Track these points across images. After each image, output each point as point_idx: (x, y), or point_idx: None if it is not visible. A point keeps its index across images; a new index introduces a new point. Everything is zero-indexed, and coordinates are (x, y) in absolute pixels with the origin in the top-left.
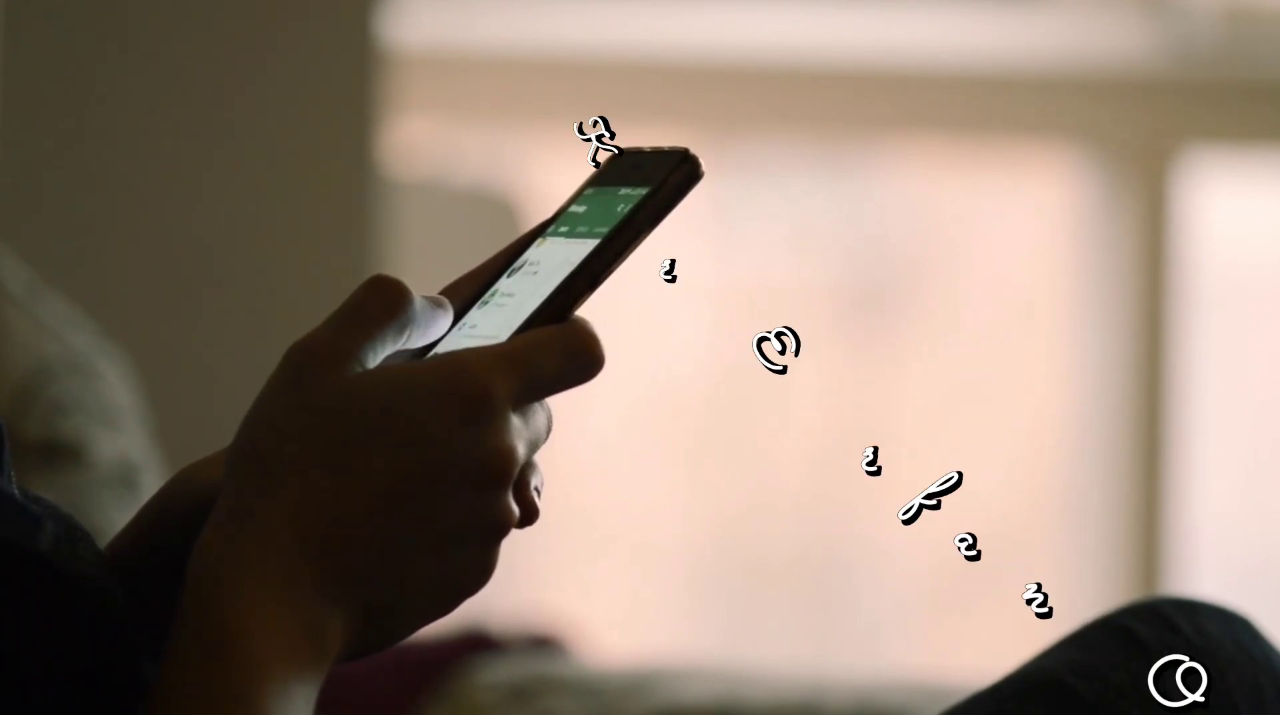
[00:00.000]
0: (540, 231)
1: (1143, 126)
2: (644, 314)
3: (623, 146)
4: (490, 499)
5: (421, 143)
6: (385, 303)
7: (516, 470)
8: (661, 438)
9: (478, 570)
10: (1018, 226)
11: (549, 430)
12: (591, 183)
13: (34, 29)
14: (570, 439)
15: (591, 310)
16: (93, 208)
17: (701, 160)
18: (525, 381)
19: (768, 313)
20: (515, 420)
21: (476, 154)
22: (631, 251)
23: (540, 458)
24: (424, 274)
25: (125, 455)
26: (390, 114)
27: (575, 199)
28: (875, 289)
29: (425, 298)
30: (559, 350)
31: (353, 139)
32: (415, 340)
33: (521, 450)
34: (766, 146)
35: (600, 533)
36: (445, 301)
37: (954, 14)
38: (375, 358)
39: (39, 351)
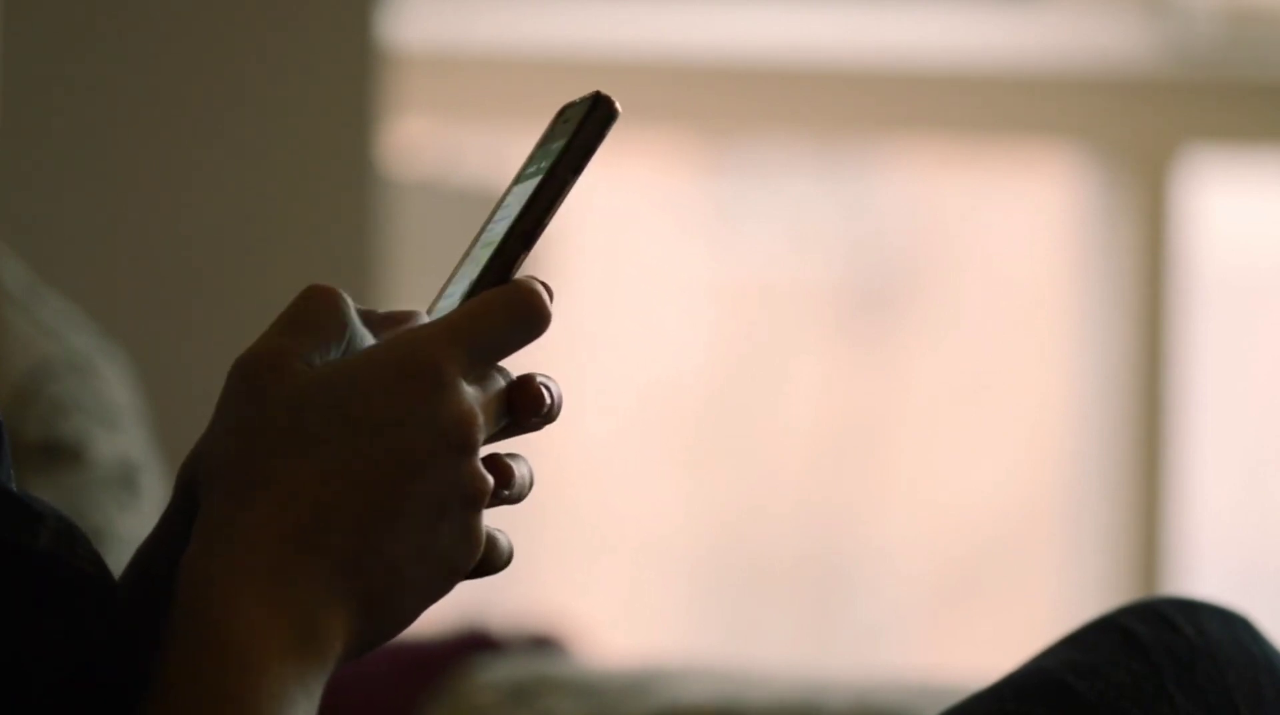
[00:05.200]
0: (506, 192)
1: (1143, 126)
2: (644, 314)
3: (567, 103)
4: (459, 467)
5: (421, 143)
6: (321, 308)
7: (480, 434)
8: (661, 438)
9: (465, 543)
10: (1018, 226)
11: (547, 411)
12: (540, 143)
13: (34, 29)
14: (570, 439)
15: (592, 311)
16: (93, 208)
17: (615, 100)
18: (472, 349)
19: (767, 312)
20: (470, 388)
21: (476, 154)
22: (560, 202)
23: (541, 457)
24: (424, 274)
25: (125, 455)
26: (390, 114)
27: (528, 161)
28: (875, 289)
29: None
30: (501, 312)
31: (353, 139)
32: (358, 343)
33: (481, 415)
34: (766, 146)
35: (600, 533)
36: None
37: (954, 14)
38: (321, 360)
39: (39, 351)
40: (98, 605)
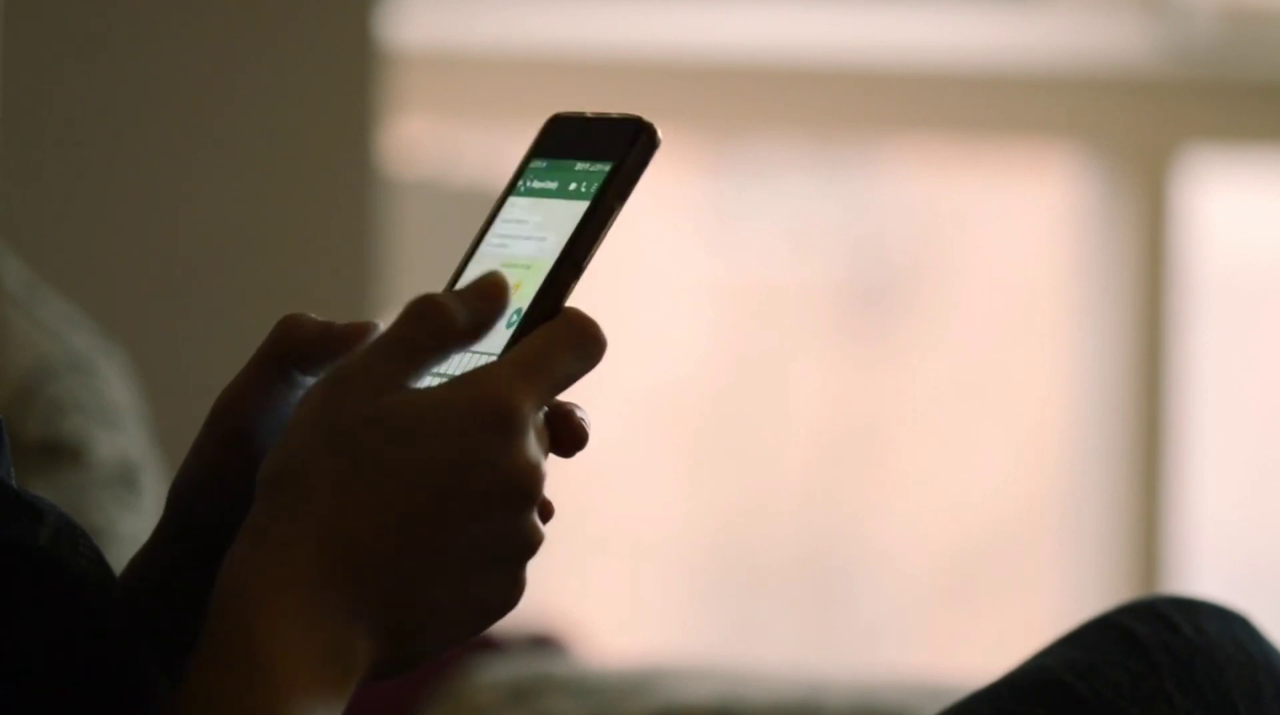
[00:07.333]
0: (500, 204)
1: (1143, 126)
2: (644, 314)
3: (560, 113)
4: (520, 517)
5: (421, 143)
6: (432, 330)
7: (543, 485)
8: (662, 438)
9: (509, 590)
10: (1018, 226)
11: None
12: (538, 154)
13: (34, 29)
14: None
15: (592, 311)
16: (93, 208)
17: (658, 127)
18: (544, 388)
19: (768, 312)
20: (534, 434)
21: (476, 154)
22: (607, 231)
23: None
24: (424, 274)
25: (125, 455)
26: (390, 114)
27: (524, 172)
28: (875, 289)
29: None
30: (566, 346)
31: (353, 139)
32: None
33: (545, 464)
34: (766, 146)
35: (600, 533)
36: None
37: (954, 14)
38: (417, 384)
39: (38, 351)
40: (98, 603)
